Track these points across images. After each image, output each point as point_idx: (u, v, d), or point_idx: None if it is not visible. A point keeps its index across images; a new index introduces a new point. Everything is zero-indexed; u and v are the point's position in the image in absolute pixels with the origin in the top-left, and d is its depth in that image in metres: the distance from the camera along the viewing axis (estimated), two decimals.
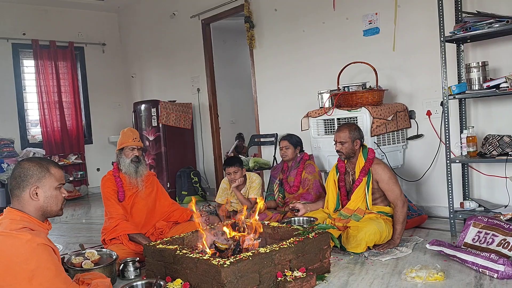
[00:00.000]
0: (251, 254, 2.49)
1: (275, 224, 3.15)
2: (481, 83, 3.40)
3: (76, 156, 7.52)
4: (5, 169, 6.52)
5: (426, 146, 4.15)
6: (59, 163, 7.14)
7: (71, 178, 7.29)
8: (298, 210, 3.53)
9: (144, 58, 7.73)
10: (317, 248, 2.80)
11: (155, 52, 7.45)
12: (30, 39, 7.19)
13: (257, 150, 5.93)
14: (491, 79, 3.39)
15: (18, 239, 1.84)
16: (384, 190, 3.33)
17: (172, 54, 7.07)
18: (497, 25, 3.24)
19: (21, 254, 1.81)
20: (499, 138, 3.33)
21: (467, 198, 3.77)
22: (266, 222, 3.23)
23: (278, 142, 4.37)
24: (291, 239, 2.75)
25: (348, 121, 4.01)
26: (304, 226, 3.15)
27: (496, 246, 2.81)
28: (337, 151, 3.47)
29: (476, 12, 3.44)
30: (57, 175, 2.04)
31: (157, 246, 2.84)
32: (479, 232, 2.98)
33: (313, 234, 2.83)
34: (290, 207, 3.61)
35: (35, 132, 7.45)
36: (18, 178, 1.97)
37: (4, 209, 2.00)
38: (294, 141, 4.13)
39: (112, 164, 3.79)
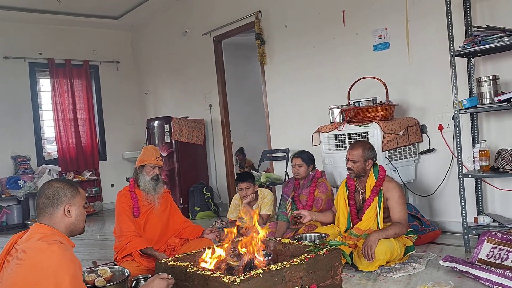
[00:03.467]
0: (262, 272, 2.49)
1: (286, 240, 3.15)
2: (493, 97, 3.38)
3: (91, 172, 7.62)
4: (21, 186, 6.63)
5: (439, 161, 4.12)
6: (74, 180, 7.25)
7: (85, 195, 7.36)
8: (300, 217, 3.49)
9: (157, 75, 7.84)
10: (328, 265, 2.78)
11: (168, 69, 7.56)
12: (46, 58, 7.38)
13: (269, 165, 5.94)
14: (503, 93, 3.37)
15: (50, 251, 1.88)
16: (391, 208, 3.28)
17: (184, 71, 7.17)
18: (507, 39, 3.23)
19: (51, 266, 1.85)
20: None
21: (481, 213, 3.72)
22: (278, 239, 3.23)
23: (290, 159, 4.31)
24: (302, 255, 2.74)
25: (359, 136, 4.01)
26: (315, 242, 3.14)
27: (511, 262, 2.77)
28: (348, 169, 3.44)
29: (486, 26, 3.44)
30: (83, 194, 2.18)
31: (169, 263, 2.85)
32: (493, 248, 2.94)
33: (324, 250, 2.82)
34: (295, 214, 3.56)
35: (50, 149, 7.58)
36: (52, 197, 2.05)
37: (30, 226, 2.06)
38: (307, 159, 4.05)
39: (127, 180, 3.83)
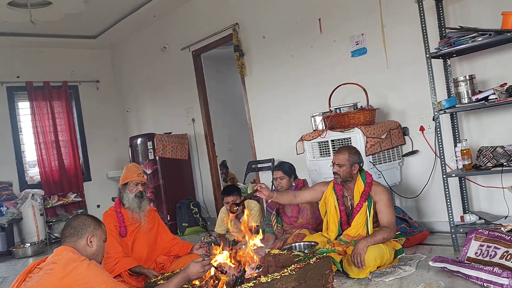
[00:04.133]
0: (252, 285, 2.47)
1: (276, 251, 3.13)
2: (470, 96, 3.42)
3: (76, 194, 7.51)
4: (4, 213, 6.49)
5: (423, 162, 4.15)
6: (59, 202, 7.14)
7: (71, 217, 7.23)
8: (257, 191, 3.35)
9: (138, 92, 7.81)
10: (319, 274, 2.77)
11: (148, 85, 7.53)
12: (24, 81, 7.30)
13: (256, 176, 5.92)
14: (480, 92, 3.42)
15: (81, 260, 2.10)
16: (379, 211, 3.28)
17: (165, 86, 7.15)
18: (480, 39, 3.28)
19: (82, 273, 2.05)
20: (493, 149, 3.34)
21: (467, 211, 3.75)
22: (267, 250, 3.21)
23: (271, 171, 4.27)
24: (292, 266, 2.72)
25: (342, 142, 4.02)
26: (305, 251, 3.12)
27: (499, 259, 2.78)
28: (334, 173, 3.42)
29: (459, 27, 3.50)
30: (105, 230, 2.37)
31: (159, 282, 2.81)
32: (481, 245, 2.96)
33: (314, 259, 2.81)
34: (253, 190, 3.38)
35: (33, 173, 7.45)
36: (77, 227, 2.25)
37: (55, 249, 2.22)
38: (288, 170, 4.03)
39: (113, 200, 3.79)
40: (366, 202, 3.31)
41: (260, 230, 3.02)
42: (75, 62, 7.92)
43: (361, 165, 3.42)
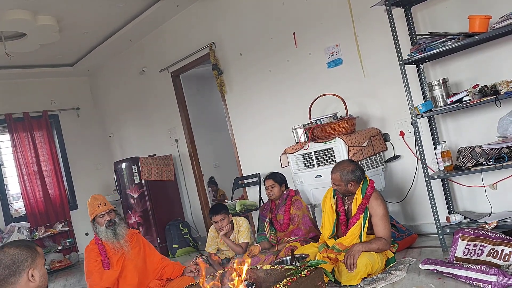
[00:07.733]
0: None
1: (268, 267, 3.13)
2: (445, 99, 3.50)
3: (63, 224, 7.41)
4: None
5: (405, 166, 4.22)
6: (46, 234, 7.04)
7: (59, 247, 7.14)
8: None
9: (120, 116, 7.79)
10: (311, 286, 2.77)
11: (129, 109, 7.52)
12: (3, 114, 7.23)
13: (243, 192, 5.93)
14: (454, 94, 3.50)
15: None
16: (375, 224, 3.35)
17: (146, 109, 7.15)
18: (450, 43, 3.37)
19: None
20: (471, 149, 3.41)
21: (452, 212, 3.81)
22: (259, 266, 3.21)
23: (263, 182, 4.39)
24: (285, 280, 2.72)
25: (325, 152, 4.08)
26: (296, 264, 3.14)
27: (486, 256, 2.84)
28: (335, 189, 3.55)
29: (429, 33, 3.60)
30: (42, 252, 2.08)
31: None
32: (468, 244, 3.01)
33: (305, 271, 2.82)
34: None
35: (18, 205, 7.35)
36: (12, 266, 1.94)
37: None
38: (279, 179, 4.17)
39: (86, 235, 3.72)
40: (363, 215, 3.38)
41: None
42: (53, 91, 7.88)
43: (359, 180, 3.42)
